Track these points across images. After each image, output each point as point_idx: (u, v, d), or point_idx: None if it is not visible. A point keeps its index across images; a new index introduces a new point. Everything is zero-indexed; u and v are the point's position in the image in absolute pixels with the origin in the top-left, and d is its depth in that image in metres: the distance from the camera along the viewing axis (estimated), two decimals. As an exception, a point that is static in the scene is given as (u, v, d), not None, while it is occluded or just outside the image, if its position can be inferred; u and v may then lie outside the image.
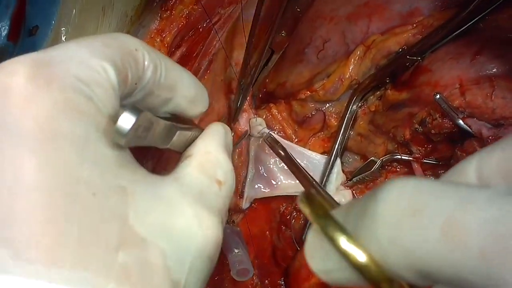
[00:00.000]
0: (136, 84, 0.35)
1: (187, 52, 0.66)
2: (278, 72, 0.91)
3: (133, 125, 0.31)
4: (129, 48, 0.34)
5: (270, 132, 0.85)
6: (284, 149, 0.75)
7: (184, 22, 0.63)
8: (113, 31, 0.58)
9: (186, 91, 0.42)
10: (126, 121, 0.31)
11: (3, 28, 0.58)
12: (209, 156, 0.41)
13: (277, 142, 0.77)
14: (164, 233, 0.33)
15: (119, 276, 0.28)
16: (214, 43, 0.67)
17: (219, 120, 0.82)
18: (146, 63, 0.36)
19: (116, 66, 0.32)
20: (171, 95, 0.40)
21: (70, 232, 0.27)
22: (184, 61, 0.66)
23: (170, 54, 0.63)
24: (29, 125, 0.28)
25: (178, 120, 0.43)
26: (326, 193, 0.74)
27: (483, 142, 0.67)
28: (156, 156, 0.54)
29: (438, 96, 0.68)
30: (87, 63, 0.31)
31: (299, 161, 0.78)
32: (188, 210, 0.35)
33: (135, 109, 0.31)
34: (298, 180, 0.72)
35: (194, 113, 0.44)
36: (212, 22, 0.63)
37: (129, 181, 0.32)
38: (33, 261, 0.26)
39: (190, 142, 0.43)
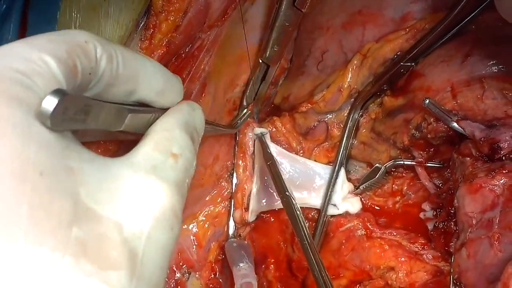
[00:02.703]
0: (90, 74, 0.36)
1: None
2: (284, 86, 0.92)
3: (56, 107, 0.30)
4: (77, 40, 0.36)
5: (263, 133, 0.88)
6: (271, 156, 0.80)
7: (165, 50, 0.65)
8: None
9: (151, 81, 0.43)
10: (48, 103, 0.30)
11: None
12: (164, 134, 0.42)
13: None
14: (119, 208, 0.35)
15: (74, 249, 0.30)
16: (202, 66, 0.69)
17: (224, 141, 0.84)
18: (98, 54, 0.37)
19: (58, 58, 0.34)
20: (134, 86, 0.41)
21: (20, 211, 0.28)
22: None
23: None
24: None
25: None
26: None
27: (476, 144, 0.66)
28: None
29: (427, 101, 0.67)
30: (27, 57, 0.32)
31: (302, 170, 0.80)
32: (140, 183, 0.37)
33: (60, 92, 0.31)
34: (274, 185, 0.76)
35: (164, 104, 0.45)
36: (195, 47, 0.65)
37: (75, 162, 0.33)
38: None
39: (152, 123, 0.43)
